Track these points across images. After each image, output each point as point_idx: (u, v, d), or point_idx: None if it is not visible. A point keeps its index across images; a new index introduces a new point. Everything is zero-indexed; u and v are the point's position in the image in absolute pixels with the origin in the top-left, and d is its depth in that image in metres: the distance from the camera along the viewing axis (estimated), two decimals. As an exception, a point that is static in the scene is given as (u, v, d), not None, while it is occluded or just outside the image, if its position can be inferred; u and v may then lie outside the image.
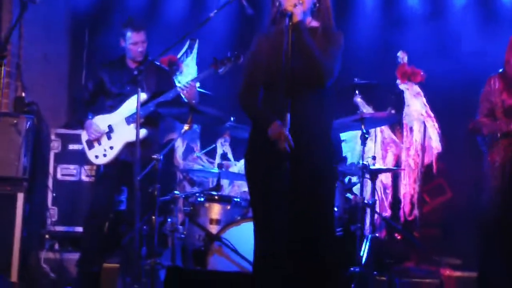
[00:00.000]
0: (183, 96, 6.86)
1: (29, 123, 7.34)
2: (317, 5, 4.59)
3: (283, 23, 4.46)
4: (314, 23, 4.61)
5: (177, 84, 7.02)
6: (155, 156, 6.45)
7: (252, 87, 4.63)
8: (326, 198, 4.62)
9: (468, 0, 8.86)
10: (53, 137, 8.05)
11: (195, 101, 6.97)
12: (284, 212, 4.42)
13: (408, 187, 8.07)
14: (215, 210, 6.71)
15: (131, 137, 6.68)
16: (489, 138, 6.69)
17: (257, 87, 4.62)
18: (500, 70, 6.69)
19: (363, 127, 6.77)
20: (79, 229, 7.57)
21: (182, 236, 6.69)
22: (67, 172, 8.02)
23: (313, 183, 4.52)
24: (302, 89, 4.47)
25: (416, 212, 8.02)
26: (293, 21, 4.37)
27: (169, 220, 6.84)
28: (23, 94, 8.08)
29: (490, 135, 6.66)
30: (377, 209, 7.65)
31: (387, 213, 8.12)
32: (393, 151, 8.19)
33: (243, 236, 6.29)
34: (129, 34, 7.02)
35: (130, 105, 6.89)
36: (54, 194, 7.94)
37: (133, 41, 7.01)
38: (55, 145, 8.03)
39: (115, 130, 6.95)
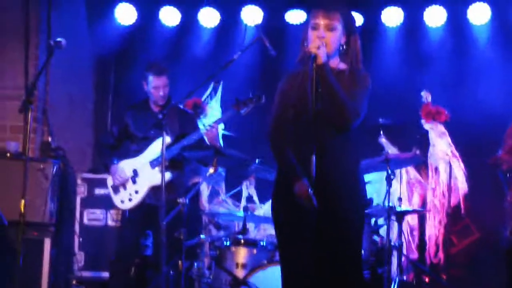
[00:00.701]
0: (206, 138, 6.88)
1: (55, 168, 7.39)
2: (345, 47, 4.58)
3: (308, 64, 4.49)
4: (342, 65, 4.61)
5: (200, 127, 7.04)
6: (180, 200, 6.45)
7: (281, 127, 4.61)
8: (354, 241, 4.58)
9: (492, 37, 8.83)
10: (79, 181, 8.06)
11: (218, 143, 6.98)
12: (311, 255, 4.40)
13: (433, 229, 8.00)
14: (242, 254, 6.67)
15: (156, 181, 6.70)
16: (510, 174, 6.66)
17: (286, 127, 4.60)
18: None
19: (388, 168, 6.75)
20: (106, 274, 7.57)
21: (209, 280, 6.67)
22: (93, 216, 8.03)
23: (340, 226, 4.48)
24: (328, 130, 4.45)
25: (441, 254, 7.94)
26: (317, 63, 4.38)
27: (195, 264, 6.83)
28: (49, 139, 8.13)
29: (510, 171, 6.63)
30: (404, 251, 7.59)
31: (415, 255, 8.05)
32: (418, 191, 8.15)
33: (269, 280, 6.23)
34: (150, 78, 7.06)
35: (155, 149, 6.92)
36: (80, 239, 7.94)
37: (155, 85, 7.04)
38: (81, 190, 8.05)
39: (140, 174, 6.97)
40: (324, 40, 4.45)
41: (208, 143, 6.92)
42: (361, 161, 6.52)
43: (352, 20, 4.68)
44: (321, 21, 4.50)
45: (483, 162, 7.04)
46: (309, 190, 4.26)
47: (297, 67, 4.68)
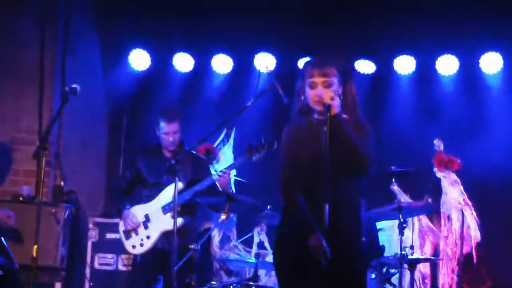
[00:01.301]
0: (218, 184, 6.89)
1: (67, 212, 7.41)
2: (341, 97, 4.61)
3: (313, 116, 4.59)
4: (343, 115, 4.65)
5: (212, 173, 7.06)
6: (192, 246, 6.44)
7: (292, 178, 4.63)
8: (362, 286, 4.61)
9: (504, 86, 8.86)
10: (91, 225, 8.06)
11: (230, 189, 6.99)
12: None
13: (446, 277, 7.95)
14: (252, 301, 6.65)
15: (168, 226, 6.70)
16: None
17: (297, 178, 4.62)
18: None
19: (400, 216, 6.74)
20: (116, 318, 7.55)
21: (221, 327, 6.63)
22: (104, 261, 8.01)
23: (349, 273, 4.51)
24: (342, 178, 4.50)
25: (455, 302, 7.90)
26: (331, 113, 4.42)
27: (206, 310, 6.80)
28: (62, 183, 8.16)
29: None
30: (416, 300, 7.55)
31: (427, 303, 8.01)
32: (430, 239, 8.12)
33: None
34: (162, 124, 7.08)
35: (167, 194, 6.93)
36: (91, 284, 7.92)
37: (165, 131, 7.07)
38: (93, 234, 8.04)
39: (151, 220, 6.97)
40: (322, 98, 4.49)
41: (220, 189, 6.93)
42: (372, 209, 6.61)
43: (347, 68, 4.75)
44: (318, 79, 4.56)
45: (501, 214, 7.02)
46: (324, 243, 4.30)
47: (296, 120, 4.72)
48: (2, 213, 6.78)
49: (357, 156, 4.47)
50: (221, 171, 6.92)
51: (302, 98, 4.65)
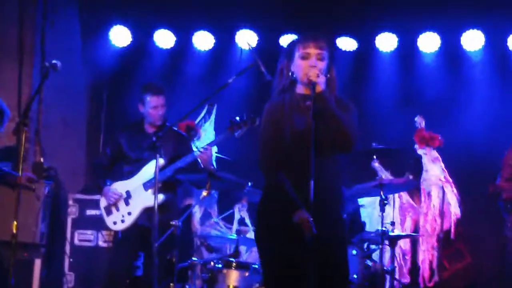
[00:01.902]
0: (200, 161, 6.88)
1: (47, 188, 7.37)
2: (328, 75, 4.63)
3: (296, 91, 4.61)
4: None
5: (194, 149, 7.04)
6: (173, 222, 6.42)
7: (274, 155, 4.63)
8: (345, 261, 4.63)
9: (485, 63, 8.88)
10: (70, 202, 8.03)
11: (212, 165, 6.98)
12: (299, 278, 4.42)
13: (426, 253, 8.00)
14: (233, 277, 6.63)
15: (149, 202, 6.69)
16: (510, 203, 6.70)
17: (279, 155, 4.61)
18: None
19: (381, 193, 6.75)
20: (96, 295, 7.55)
21: (200, 303, 6.64)
22: (84, 237, 8.00)
23: (333, 248, 4.55)
24: (326, 155, 4.51)
25: (436, 278, 7.93)
26: (316, 91, 4.43)
27: (187, 287, 6.80)
28: (42, 160, 8.11)
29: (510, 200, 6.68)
30: (397, 276, 7.58)
31: (407, 279, 8.04)
32: (411, 216, 8.15)
33: (261, 303, 6.23)
34: (148, 98, 7.06)
35: (148, 171, 6.91)
36: (71, 260, 7.90)
37: (153, 105, 7.05)
38: (73, 211, 8.02)
39: (133, 196, 6.96)
40: (316, 68, 4.52)
41: (202, 165, 6.92)
42: (354, 185, 6.63)
43: (333, 51, 4.81)
44: (313, 51, 4.58)
45: (481, 191, 7.06)
46: (310, 218, 4.30)
47: (279, 97, 4.71)
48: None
49: (343, 133, 4.48)
50: (202, 147, 6.91)
51: (290, 73, 4.65)
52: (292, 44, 4.72)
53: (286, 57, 4.71)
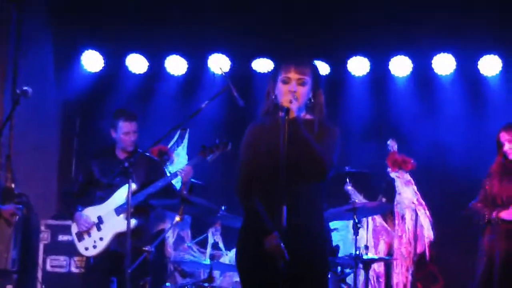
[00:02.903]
0: (181, 178, 6.88)
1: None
2: (312, 100, 4.64)
3: (278, 116, 4.54)
4: (308, 116, 4.65)
5: (171, 170, 7.04)
6: (146, 248, 6.38)
7: (249, 178, 4.60)
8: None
9: (457, 87, 8.95)
10: (42, 228, 7.97)
11: (187, 188, 6.98)
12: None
13: (400, 276, 8.01)
14: (207, 302, 6.62)
15: (121, 227, 6.65)
16: (479, 225, 6.77)
17: (255, 177, 4.58)
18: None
19: (355, 216, 6.76)
20: (69, 321, 7.47)
21: (174, 329, 6.59)
22: (56, 263, 7.93)
23: (309, 275, 4.48)
24: (300, 181, 4.47)
25: (409, 301, 7.95)
26: (289, 117, 4.41)
27: (161, 312, 6.75)
28: (13, 185, 8.03)
29: (480, 222, 6.75)
30: (371, 299, 7.59)
31: (381, 302, 8.05)
32: (384, 239, 8.17)
33: (235, 329, 6.20)
34: (120, 123, 7.04)
35: (120, 196, 6.88)
36: (43, 286, 7.82)
37: (125, 131, 7.02)
38: (45, 236, 7.96)
39: (104, 221, 6.91)
40: (296, 93, 4.50)
41: (181, 185, 6.92)
42: (327, 209, 6.61)
43: (320, 75, 4.74)
44: (293, 76, 4.55)
45: (453, 213, 7.11)
46: (281, 243, 4.27)
47: (262, 119, 4.71)
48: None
49: (314, 160, 4.43)
50: (181, 168, 6.93)
51: (273, 97, 4.64)
52: (277, 68, 4.71)
53: (271, 79, 4.68)
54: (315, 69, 4.69)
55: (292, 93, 4.49)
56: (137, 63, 9.29)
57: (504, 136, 6.85)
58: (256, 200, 4.51)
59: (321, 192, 4.60)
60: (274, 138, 4.47)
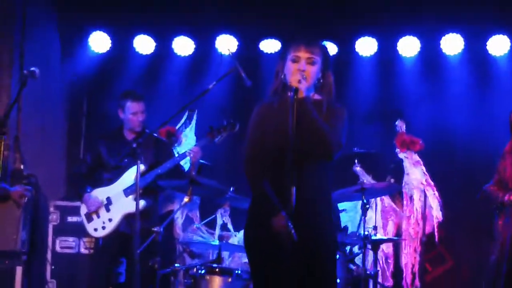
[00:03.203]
0: (190, 158, 6.89)
1: (27, 195, 7.29)
2: (321, 80, 4.64)
3: (286, 95, 4.52)
4: (317, 97, 4.65)
5: (180, 151, 7.04)
6: (155, 229, 6.39)
7: (257, 157, 4.62)
8: (330, 270, 4.59)
9: (465, 67, 8.92)
10: (51, 209, 7.99)
11: (196, 169, 7.00)
12: (286, 284, 4.38)
13: (409, 257, 8.02)
14: (216, 283, 6.60)
15: (130, 208, 6.67)
16: (493, 208, 6.75)
17: (262, 157, 4.60)
18: None
19: (363, 197, 6.76)
20: (78, 302, 7.50)
21: (184, 309, 6.61)
22: (65, 244, 7.94)
23: (318, 255, 4.49)
24: (308, 162, 4.48)
25: (417, 282, 7.95)
26: (298, 96, 4.40)
27: (169, 293, 6.78)
28: (22, 167, 8.04)
29: (493, 205, 6.72)
30: (380, 279, 7.59)
31: (390, 283, 8.06)
32: (393, 220, 8.17)
33: (244, 308, 6.21)
34: (128, 104, 7.05)
35: (128, 177, 6.89)
36: (52, 267, 7.85)
37: (133, 111, 7.04)
38: (54, 218, 7.97)
39: (113, 202, 6.93)
40: (305, 73, 4.51)
41: (192, 162, 6.92)
42: (335, 190, 6.61)
43: (329, 56, 4.75)
44: (303, 55, 4.56)
45: (462, 194, 7.10)
46: (289, 223, 4.26)
47: (270, 98, 4.71)
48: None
49: (322, 140, 4.44)
50: (189, 149, 6.93)
51: (282, 76, 4.63)
52: (286, 47, 4.71)
53: (281, 59, 4.69)
54: (324, 49, 4.70)
55: (301, 72, 4.50)
56: (144, 44, 9.26)
57: None
58: (264, 180, 4.51)
59: (328, 172, 4.61)
60: (282, 118, 4.47)
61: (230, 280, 6.61)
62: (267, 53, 9.14)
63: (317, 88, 4.67)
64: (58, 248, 7.93)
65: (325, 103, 4.61)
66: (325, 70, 4.65)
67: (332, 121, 4.54)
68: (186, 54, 9.30)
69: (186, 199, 6.65)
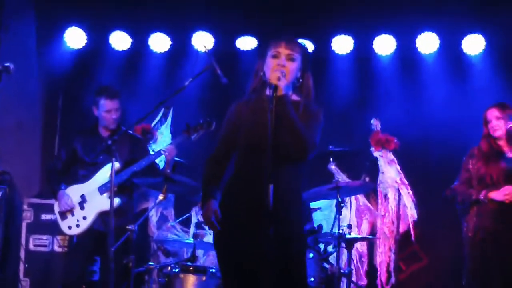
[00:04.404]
0: (165, 157, 6.87)
1: (1, 193, 7.26)
2: (300, 80, 4.65)
3: (265, 93, 4.56)
4: (295, 97, 4.66)
5: (155, 149, 7.02)
6: (129, 227, 6.37)
7: (221, 154, 4.70)
8: (302, 267, 4.60)
9: (440, 65, 8.95)
10: (25, 206, 7.94)
11: (171, 167, 6.98)
12: (257, 282, 4.39)
13: (384, 255, 8.04)
14: (190, 281, 6.60)
15: (104, 206, 6.66)
16: (464, 205, 6.77)
17: (227, 155, 4.69)
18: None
19: (338, 195, 6.78)
20: (52, 301, 7.46)
21: (157, 308, 6.60)
22: (39, 242, 7.90)
23: (289, 254, 4.50)
24: (283, 160, 4.48)
25: (393, 280, 7.98)
26: (277, 94, 4.40)
27: (143, 291, 6.76)
28: (-4, 164, 8.00)
29: (464, 202, 6.74)
30: (354, 278, 7.61)
31: (363, 281, 8.08)
32: (368, 218, 8.19)
33: (218, 307, 6.21)
34: (102, 101, 7.02)
35: (103, 175, 6.87)
36: (26, 265, 7.80)
37: (107, 109, 7.01)
38: (28, 215, 7.92)
39: (88, 200, 6.90)
40: (285, 69, 4.53)
41: (165, 165, 6.91)
42: (310, 188, 6.62)
43: (309, 56, 4.76)
44: (283, 51, 4.59)
45: (437, 192, 7.13)
46: (212, 216, 4.42)
47: (247, 96, 4.72)
48: None
49: (298, 140, 4.45)
50: (165, 146, 6.92)
51: (261, 74, 4.65)
52: (266, 44, 4.73)
53: (260, 57, 4.72)
54: (304, 49, 4.72)
55: (280, 69, 4.52)
56: (120, 40, 9.22)
57: (493, 113, 6.85)
58: (214, 170, 4.65)
59: (302, 172, 4.64)
60: (259, 116, 4.50)
61: (204, 278, 6.61)
62: (243, 50, 9.14)
63: (296, 88, 4.68)
64: (31, 246, 7.89)
65: (302, 104, 4.63)
66: (304, 71, 4.68)
67: (308, 122, 4.56)
68: (162, 51, 9.27)
69: (161, 197, 6.64)
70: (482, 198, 6.62)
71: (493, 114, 6.84)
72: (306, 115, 4.58)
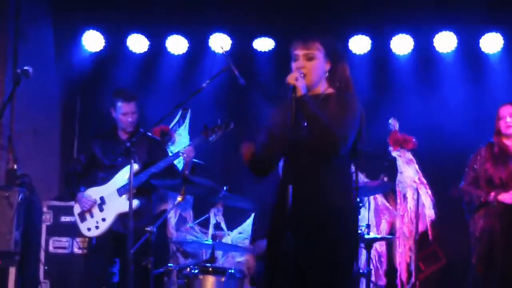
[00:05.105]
0: (183, 158, 6.88)
1: (21, 195, 7.31)
2: (328, 74, 4.61)
3: (287, 96, 4.50)
4: (330, 90, 4.63)
5: (173, 150, 7.04)
6: (148, 229, 6.38)
7: (262, 158, 4.69)
8: (344, 267, 4.50)
9: (458, 65, 8.92)
10: (45, 209, 7.97)
11: (189, 168, 6.99)
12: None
13: (403, 255, 8.02)
14: (210, 282, 6.59)
15: (123, 208, 6.66)
16: (471, 206, 6.76)
17: (272, 158, 4.70)
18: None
19: (356, 196, 6.76)
20: (72, 302, 7.49)
21: (177, 309, 6.60)
22: (59, 244, 7.92)
23: (324, 268, 4.41)
24: (315, 158, 4.46)
25: (413, 279, 7.95)
26: (295, 94, 4.38)
27: (163, 293, 6.77)
28: (15, 166, 8.04)
29: (472, 203, 6.74)
30: (373, 278, 7.59)
31: (383, 281, 8.06)
32: (386, 218, 8.17)
33: (238, 308, 6.21)
34: (119, 104, 7.04)
35: (122, 177, 6.89)
36: (46, 267, 7.83)
37: (124, 112, 7.03)
38: (47, 218, 7.95)
39: (107, 202, 6.92)
40: (304, 69, 4.51)
41: (184, 166, 6.91)
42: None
43: (336, 47, 4.69)
44: (300, 52, 4.57)
45: (447, 192, 7.12)
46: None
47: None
48: None
49: (326, 135, 4.37)
50: (184, 147, 6.93)
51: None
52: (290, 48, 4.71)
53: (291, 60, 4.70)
54: (327, 43, 4.62)
55: (298, 70, 4.50)
56: (138, 43, 9.25)
57: (507, 110, 6.82)
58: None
59: (339, 173, 4.55)
60: (284, 118, 4.46)
61: (223, 279, 6.60)
62: (260, 51, 9.14)
63: (329, 80, 4.63)
64: (51, 248, 7.91)
65: (334, 96, 4.58)
66: (334, 62, 4.61)
67: (340, 114, 4.47)
68: (180, 53, 9.29)
69: (179, 199, 6.64)
70: (491, 200, 6.60)
71: (507, 111, 6.84)
72: (339, 106, 4.51)
